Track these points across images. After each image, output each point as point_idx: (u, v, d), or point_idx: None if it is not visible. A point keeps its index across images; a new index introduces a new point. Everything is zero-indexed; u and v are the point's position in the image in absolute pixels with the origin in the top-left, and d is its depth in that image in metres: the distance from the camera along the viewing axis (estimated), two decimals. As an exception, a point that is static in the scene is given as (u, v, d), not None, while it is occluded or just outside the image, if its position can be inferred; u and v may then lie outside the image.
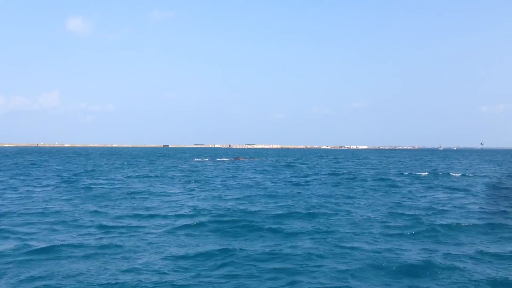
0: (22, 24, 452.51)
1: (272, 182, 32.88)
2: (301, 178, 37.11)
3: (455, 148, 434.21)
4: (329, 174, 43.78)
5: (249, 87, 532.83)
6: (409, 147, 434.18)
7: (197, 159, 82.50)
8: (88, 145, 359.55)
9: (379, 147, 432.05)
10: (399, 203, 22.12)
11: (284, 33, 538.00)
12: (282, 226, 15.33)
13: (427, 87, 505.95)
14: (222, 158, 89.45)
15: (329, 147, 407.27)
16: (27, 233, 14.06)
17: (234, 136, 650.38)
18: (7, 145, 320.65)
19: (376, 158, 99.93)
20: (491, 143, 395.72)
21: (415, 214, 18.20)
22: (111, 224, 15.69)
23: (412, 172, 45.51)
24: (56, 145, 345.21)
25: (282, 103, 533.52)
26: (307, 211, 18.68)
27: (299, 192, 26.24)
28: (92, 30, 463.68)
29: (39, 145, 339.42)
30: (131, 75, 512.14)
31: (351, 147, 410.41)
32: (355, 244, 12.75)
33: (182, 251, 12.06)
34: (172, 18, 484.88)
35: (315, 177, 39.19)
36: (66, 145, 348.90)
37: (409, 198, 24.11)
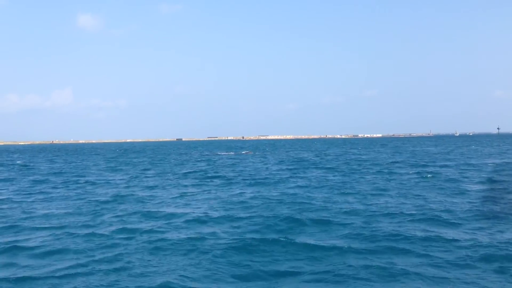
0: (33, 22, 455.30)
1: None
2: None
3: (471, 134, 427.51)
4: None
5: (260, 79, 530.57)
6: (424, 134, 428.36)
7: (224, 153, 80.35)
8: (102, 141, 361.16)
9: (392, 135, 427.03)
10: None
11: (294, 23, 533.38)
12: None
13: (440, 72, 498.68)
14: (244, 151, 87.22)
15: (342, 136, 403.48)
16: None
17: (247, 128, 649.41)
18: (22, 143, 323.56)
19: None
20: (508, 128, 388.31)
21: None
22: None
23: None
24: (71, 142, 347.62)
25: (293, 93, 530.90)
26: None
27: None
28: (101, 25, 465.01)
29: (54, 142, 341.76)
30: (142, 70, 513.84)
31: (365, 135, 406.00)
32: None
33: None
34: (180, 10, 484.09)
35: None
36: (80, 142, 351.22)
37: None
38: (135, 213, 17.00)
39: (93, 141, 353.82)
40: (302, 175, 31.56)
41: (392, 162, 43.21)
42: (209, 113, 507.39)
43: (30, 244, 12.40)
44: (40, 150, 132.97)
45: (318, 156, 59.47)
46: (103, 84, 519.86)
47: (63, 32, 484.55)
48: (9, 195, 23.41)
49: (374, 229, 13.40)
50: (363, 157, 55.33)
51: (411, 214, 15.64)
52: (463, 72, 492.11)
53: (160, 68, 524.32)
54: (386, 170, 33.86)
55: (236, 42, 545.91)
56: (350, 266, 10.04)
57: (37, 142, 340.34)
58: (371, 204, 18.05)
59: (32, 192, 24.62)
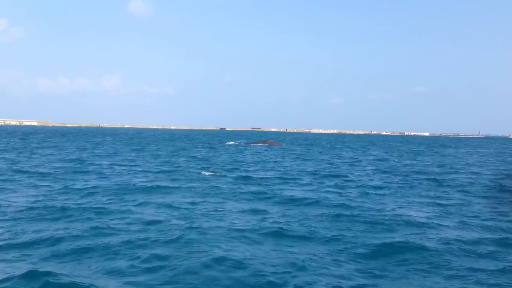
0: (86, 7, 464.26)
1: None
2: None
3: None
4: None
5: (307, 71, 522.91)
6: (473, 135, 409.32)
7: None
8: (147, 127, 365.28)
9: (440, 134, 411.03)
10: None
11: (343, 15, 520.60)
12: None
13: (493, 69, 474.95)
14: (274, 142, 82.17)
15: (388, 133, 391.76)
16: None
17: (291, 120, 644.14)
18: (70, 125, 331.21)
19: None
20: None
21: None
22: None
23: None
24: (118, 126, 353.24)
25: (340, 88, 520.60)
26: None
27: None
28: (152, 11, 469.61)
29: (100, 125, 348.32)
30: (190, 57, 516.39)
31: (412, 133, 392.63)
32: None
33: None
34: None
35: None
36: (126, 126, 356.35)
37: None
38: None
39: (138, 126, 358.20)
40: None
41: None
42: (254, 104, 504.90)
43: None
44: (110, 133, 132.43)
45: (405, 158, 53.86)
46: (151, 71, 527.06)
47: (114, 17, 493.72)
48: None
49: None
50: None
51: None
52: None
53: (209, 57, 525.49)
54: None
55: (284, 33, 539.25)
56: None
57: (84, 125, 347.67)
58: None
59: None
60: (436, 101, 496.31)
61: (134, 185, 20.29)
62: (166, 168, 29.12)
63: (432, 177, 27.65)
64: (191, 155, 44.56)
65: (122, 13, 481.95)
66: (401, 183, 24.57)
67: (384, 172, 31.37)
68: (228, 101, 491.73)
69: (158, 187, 19.94)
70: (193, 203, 16.44)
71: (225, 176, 25.71)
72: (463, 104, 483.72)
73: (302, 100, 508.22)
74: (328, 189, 21.62)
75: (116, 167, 29.14)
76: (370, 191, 20.88)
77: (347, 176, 27.41)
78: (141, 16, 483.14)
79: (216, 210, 15.23)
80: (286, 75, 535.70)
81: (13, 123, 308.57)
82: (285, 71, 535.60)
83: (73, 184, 20.34)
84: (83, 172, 25.58)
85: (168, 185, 20.79)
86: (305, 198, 18.05)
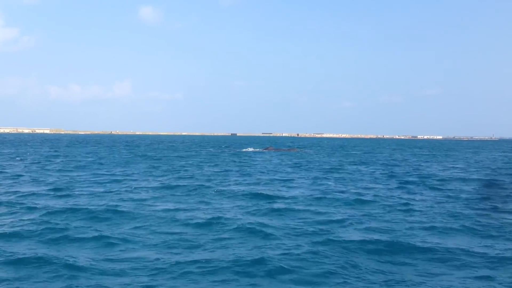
0: (96, 15, 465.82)
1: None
2: None
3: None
4: None
5: (316, 75, 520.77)
6: (487, 138, 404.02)
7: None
8: (158, 133, 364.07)
9: (453, 137, 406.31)
10: None
11: (349, 19, 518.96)
12: None
13: (506, 71, 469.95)
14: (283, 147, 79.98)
15: (401, 137, 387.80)
16: None
17: (302, 125, 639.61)
18: (82, 133, 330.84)
19: None
20: None
21: None
22: None
23: None
24: (130, 133, 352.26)
25: (350, 91, 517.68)
26: None
27: None
28: (162, 18, 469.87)
29: (112, 133, 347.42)
30: (200, 63, 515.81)
31: (424, 137, 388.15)
32: None
33: None
34: (240, 4, 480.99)
35: None
36: (137, 133, 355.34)
37: None
38: None
39: (150, 133, 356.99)
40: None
41: None
42: (265, 109, 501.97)
43: None
44: (126, 141, 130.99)
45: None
46: (161, 77, 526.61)
47: (124, 24, 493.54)
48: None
49: None
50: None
51: None
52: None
53: (218, 62, 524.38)
54: None
55: (294, 38, 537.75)
56: None
57: (96, 132, 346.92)
58: None
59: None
60: (447, 104, 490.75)
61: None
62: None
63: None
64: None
65: (132, 20, 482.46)
66: None
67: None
68: (238, 107, 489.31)
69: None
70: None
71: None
72: (476, 107, 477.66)
73: (312, 105, 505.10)
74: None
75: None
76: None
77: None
78: (151, 22, 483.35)
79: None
80: (295, 79, 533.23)
81: (26, 131, 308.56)
82: (295, 75, 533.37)
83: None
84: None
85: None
86: None
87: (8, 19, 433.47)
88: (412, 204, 18.20)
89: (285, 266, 9.85)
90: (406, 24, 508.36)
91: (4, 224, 13.36)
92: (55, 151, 60.12)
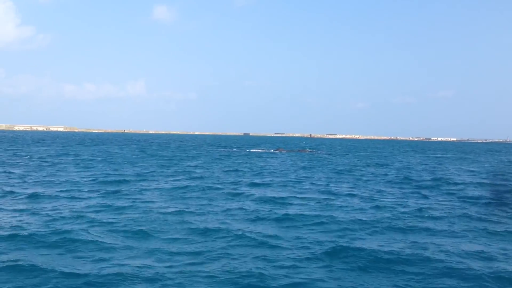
0: (111, 14, 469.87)
1: None
2: None
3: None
4: None
5: (329, 76, 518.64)
6: (501, 140, 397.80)
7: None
8: (171, 132, 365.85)
9: (467, 140, 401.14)
10: None
11: (364, 21, 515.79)
12: None
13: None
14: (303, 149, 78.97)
15: (414, 139, 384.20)
16: None
17: (314, 126, 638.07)
18: (96, 131, 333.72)
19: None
20: None
21: None
22: None
23: None
24: (143, 132, 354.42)
25: (363, 92, 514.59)
26: None
27: None
28: (176, 17, 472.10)
29: (125, 131, 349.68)
30: (213, 63, 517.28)
31: (438, 139, 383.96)
32: None
33: None
34: (254, 4, 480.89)
35: None
36: (150, 132, 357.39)
37: None
38: None
39: (162, 132, 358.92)
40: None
41: None
42: (278, 109, 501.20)
43: None
44: (161, 141, 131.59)
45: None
46: (174, 76, 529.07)
47: (138, 23, 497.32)
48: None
49: None
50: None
51: None
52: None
53: (232, 62, 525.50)
54: None
55: (307, 37, 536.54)
56: None
57: (109, 130, 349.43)
58: None
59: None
60: (461, 106, 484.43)
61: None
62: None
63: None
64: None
65: (146, 20, 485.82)
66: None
67: None
68: (250, 106, 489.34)
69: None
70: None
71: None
72: (490, 109, 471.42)
73: (325, 105, 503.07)
74: None
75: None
76: None
77: None
78: (165, 22, 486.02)
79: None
80: (308, 79, 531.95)
81: (40, 128, 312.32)
82: (308, 75, 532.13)
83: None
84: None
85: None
86: None
87: (24, 17, 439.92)
88: (428, 210, 17.55)
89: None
90: (421, 26, 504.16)
91: None
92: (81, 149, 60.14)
